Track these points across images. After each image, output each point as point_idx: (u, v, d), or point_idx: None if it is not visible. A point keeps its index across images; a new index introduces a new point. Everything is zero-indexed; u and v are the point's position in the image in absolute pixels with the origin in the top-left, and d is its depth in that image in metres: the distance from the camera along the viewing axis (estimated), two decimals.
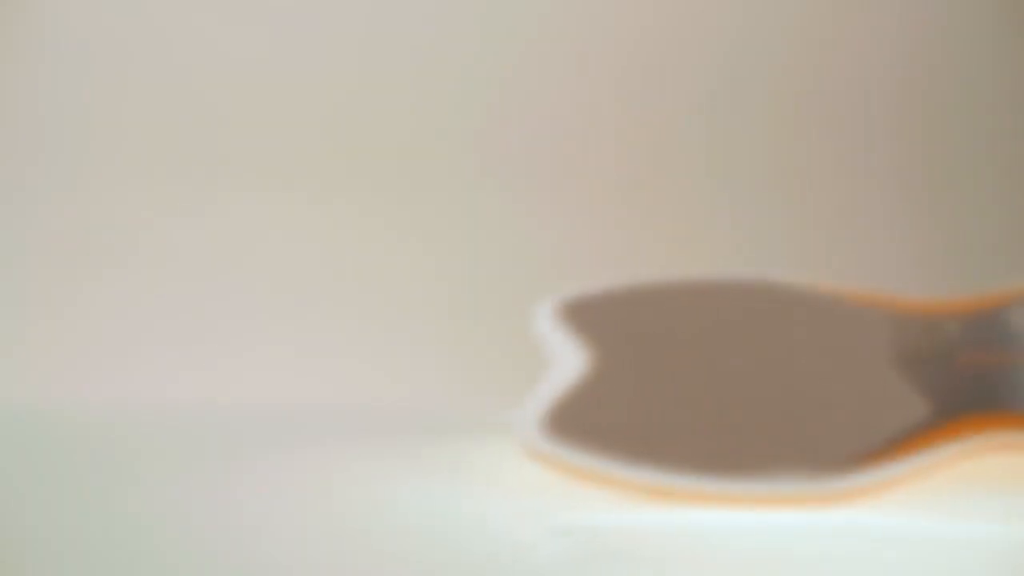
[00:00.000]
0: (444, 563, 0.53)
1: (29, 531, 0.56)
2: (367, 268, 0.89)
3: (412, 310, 0.88)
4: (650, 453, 0.60)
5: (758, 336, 0.67)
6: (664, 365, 0.66)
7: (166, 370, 0.86)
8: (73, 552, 0.54)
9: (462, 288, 0.88)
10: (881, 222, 0.92)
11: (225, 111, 0.89)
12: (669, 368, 0.65)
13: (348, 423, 0.79)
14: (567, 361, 0.66)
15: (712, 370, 0.65)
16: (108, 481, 0.64)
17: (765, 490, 0.58)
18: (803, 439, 0.60)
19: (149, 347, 0.86)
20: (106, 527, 0.57)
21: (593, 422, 0.62)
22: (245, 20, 0.90)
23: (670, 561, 0.54)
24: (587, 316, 0.69)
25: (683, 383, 0.64)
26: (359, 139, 0.90)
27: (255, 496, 0.62)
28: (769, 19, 0.93)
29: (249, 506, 0.60)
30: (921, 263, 0.91)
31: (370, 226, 0.90)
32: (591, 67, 0.92)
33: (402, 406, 0.85)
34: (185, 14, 0.89)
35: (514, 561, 0.53)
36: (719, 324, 0.68)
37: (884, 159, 0.93)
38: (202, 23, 0.89)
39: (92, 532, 0.57)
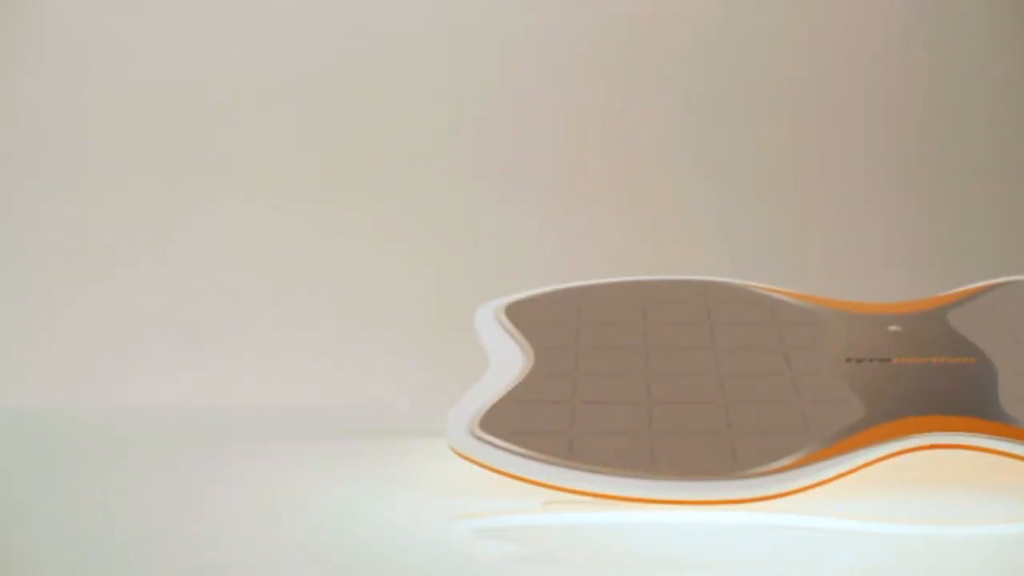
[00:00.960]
0: (377, 565, 0.52)
1: (29, 531, 0.56)
2: (366, 269, 0.89)
3: (409, 312, 0.89)
4: (583, 455, 0.59)
5: (701, 337, 0.67)
6: (601, 367, 0.65)
7: (164, 371, 0.86)
8: (73, 552, 0.54)
9: (460, 290, 0.88)
10: (870, 224, 0.92)
11: (225, 111, 0.89)
12: (605, 370, 0.65)
13: (347, 423, 0.79)
14: (504, 363, 0.66)
15: (651, 372, 0.64)
16: (107, 481, 0.64)
17: (699, 491, 0.58)
18: (740, 440, 0.60)
19: (148, 348, 0.86)
20: (104, 527, 0.57)
21: (527, 424, 0.61)
22: (244, 21, 0.90)
23: (603, 562, 0.53)
24: (527, 318, 0.69)
25: (619, 385, 0.63)
26: (359, 141, 0.90)
27: (227, 500, 0.61)
28: (767, 22, 0.93)
29: (220, 509, 0.60)
30: (906, 265, 0.91)
31: (369, 227, 0.90)
32: (588, 69, 0.92)
33: (400, 407, 0.85)
34: (185, 14, 0.89)
35: (446, 563, 0.53)
36: (662, 326, 0.68)
37: (878, 162, 0.93)
38: (202, 23, 0.89)
39: (91, 532, 0.57)
